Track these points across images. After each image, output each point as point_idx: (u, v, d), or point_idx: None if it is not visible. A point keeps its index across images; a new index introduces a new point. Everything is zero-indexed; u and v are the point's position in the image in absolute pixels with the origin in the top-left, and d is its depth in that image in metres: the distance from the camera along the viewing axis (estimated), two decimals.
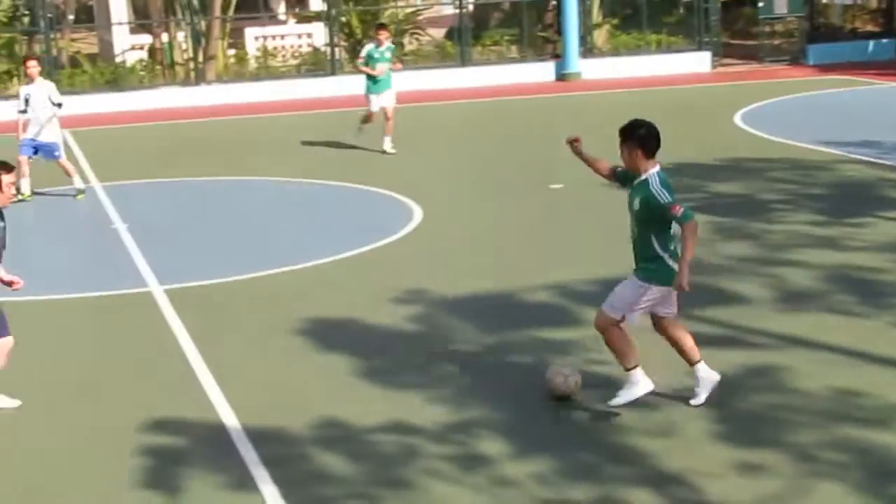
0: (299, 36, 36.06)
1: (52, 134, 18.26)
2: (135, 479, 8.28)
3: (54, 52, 32.47)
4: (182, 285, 13.21)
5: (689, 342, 9.06)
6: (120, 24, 35.90)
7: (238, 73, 33.50)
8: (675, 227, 8.77)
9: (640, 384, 8.82)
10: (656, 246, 8.73)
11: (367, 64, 21.20)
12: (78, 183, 18.62)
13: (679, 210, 8.57)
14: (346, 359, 10.53)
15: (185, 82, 32.39)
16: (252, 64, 33.98)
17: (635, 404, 8.95)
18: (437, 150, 20.24)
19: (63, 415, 9.64)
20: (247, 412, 9.34)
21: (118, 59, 34.53)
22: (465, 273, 13.30)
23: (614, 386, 9.16)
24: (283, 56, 34.61)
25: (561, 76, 32.10)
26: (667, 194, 8.63)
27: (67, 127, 27.04)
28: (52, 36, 32.26)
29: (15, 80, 32.38)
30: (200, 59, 32.42)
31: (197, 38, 32.70)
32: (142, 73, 33.11)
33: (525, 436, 8.62)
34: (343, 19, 34.12)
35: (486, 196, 17.58)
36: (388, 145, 21.12)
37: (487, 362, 10.44)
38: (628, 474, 7.97)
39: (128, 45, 35.42)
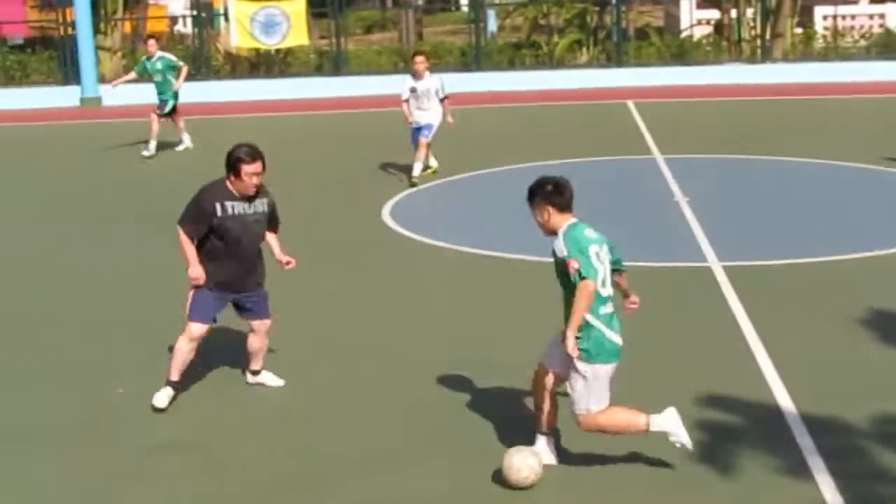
0: (871, 17, 35.02)
1: (432, 117, 18.64)
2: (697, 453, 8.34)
3: (623, 23, 33.23)
4: (741, 263, 13.15)
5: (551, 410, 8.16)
6: None
7: (804, 52, 32.93)
8: (607, 289, 7.69)
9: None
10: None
11: None
12: (417, 169, 18.57)
13: (574, 266, 7.44)
14: None
15: (751, 59, 32.20)
16: (819, 43, 33.31)
17: None
18: None
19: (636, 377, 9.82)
20: (804, 398, 9.15)
21: (684, 33, 34.91)
22: None
23: None
24: (853, 37, 33.69)
25: None
26: (565, 247, 7.53)
27: (631, 98, 27.76)
28: (622, 8, 33.00)
29: (584, 49, 33.52)
30: (768, 36, 32.11)
31: (766, 14, 32.39)
32: (707, 48, 33.28)
33: None
34: None
35: None
36: None
37: None
38: None
39: (694, 20, 35.77)
